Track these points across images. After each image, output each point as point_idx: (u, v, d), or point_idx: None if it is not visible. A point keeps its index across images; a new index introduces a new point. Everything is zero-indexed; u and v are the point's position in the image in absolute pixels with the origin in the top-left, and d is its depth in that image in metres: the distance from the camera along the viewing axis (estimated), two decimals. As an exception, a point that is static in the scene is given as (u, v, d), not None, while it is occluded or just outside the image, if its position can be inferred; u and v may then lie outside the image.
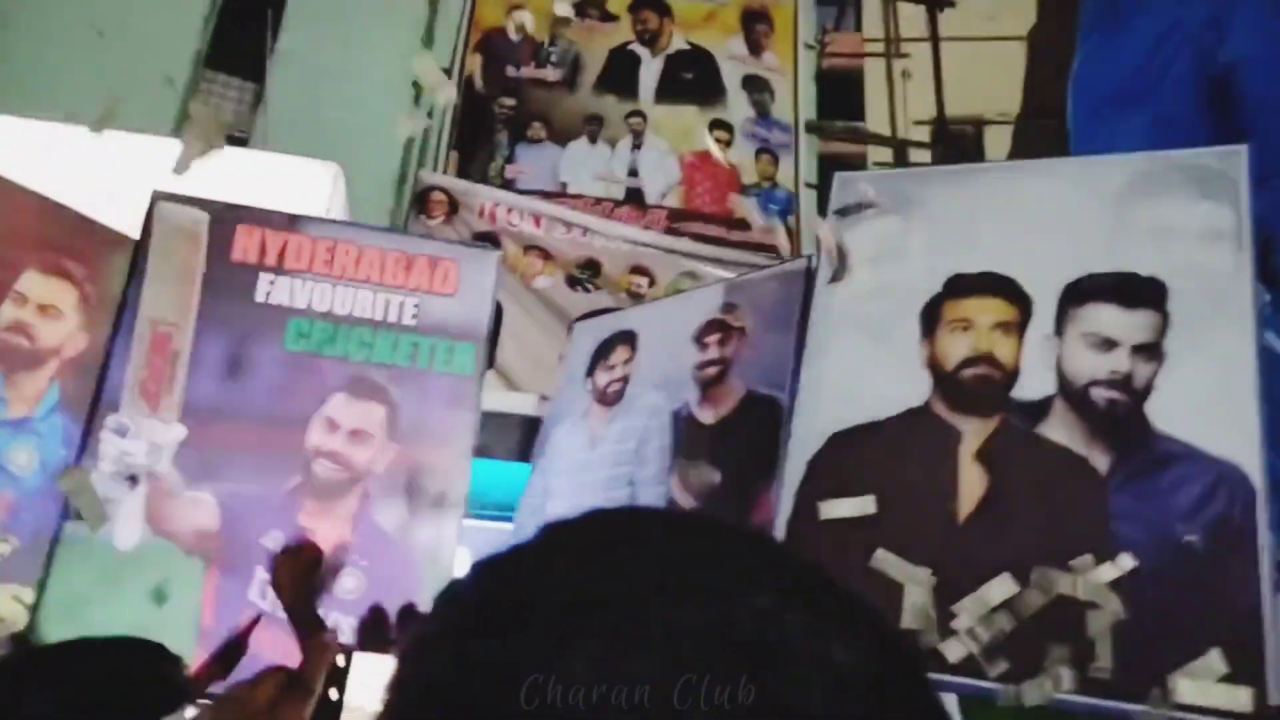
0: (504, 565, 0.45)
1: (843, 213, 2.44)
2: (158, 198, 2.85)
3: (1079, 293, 2.13)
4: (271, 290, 2.80)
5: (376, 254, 2.93)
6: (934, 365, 2.24)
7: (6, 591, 2.45)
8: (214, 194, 4.43)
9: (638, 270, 6.34)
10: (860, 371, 2.31)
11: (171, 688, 1.12)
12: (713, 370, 2.84)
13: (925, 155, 7.00)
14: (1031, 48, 6.74)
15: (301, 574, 1.14)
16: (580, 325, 3.79)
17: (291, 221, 2.96)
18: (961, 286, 2.25)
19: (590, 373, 3.28)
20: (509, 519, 3.31)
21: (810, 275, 2.57)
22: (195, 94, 6.10)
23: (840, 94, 7.24)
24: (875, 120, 7.17)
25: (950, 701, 2.04)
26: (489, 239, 6.06)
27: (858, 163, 7.03)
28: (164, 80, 5.99)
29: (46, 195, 2.91)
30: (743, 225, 6.84)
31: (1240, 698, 1.67)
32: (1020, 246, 2.22)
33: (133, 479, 2.54)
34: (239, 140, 5.93)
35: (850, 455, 2.25)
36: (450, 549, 2.71)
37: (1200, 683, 1.71)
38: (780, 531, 2.25)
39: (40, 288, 2.76)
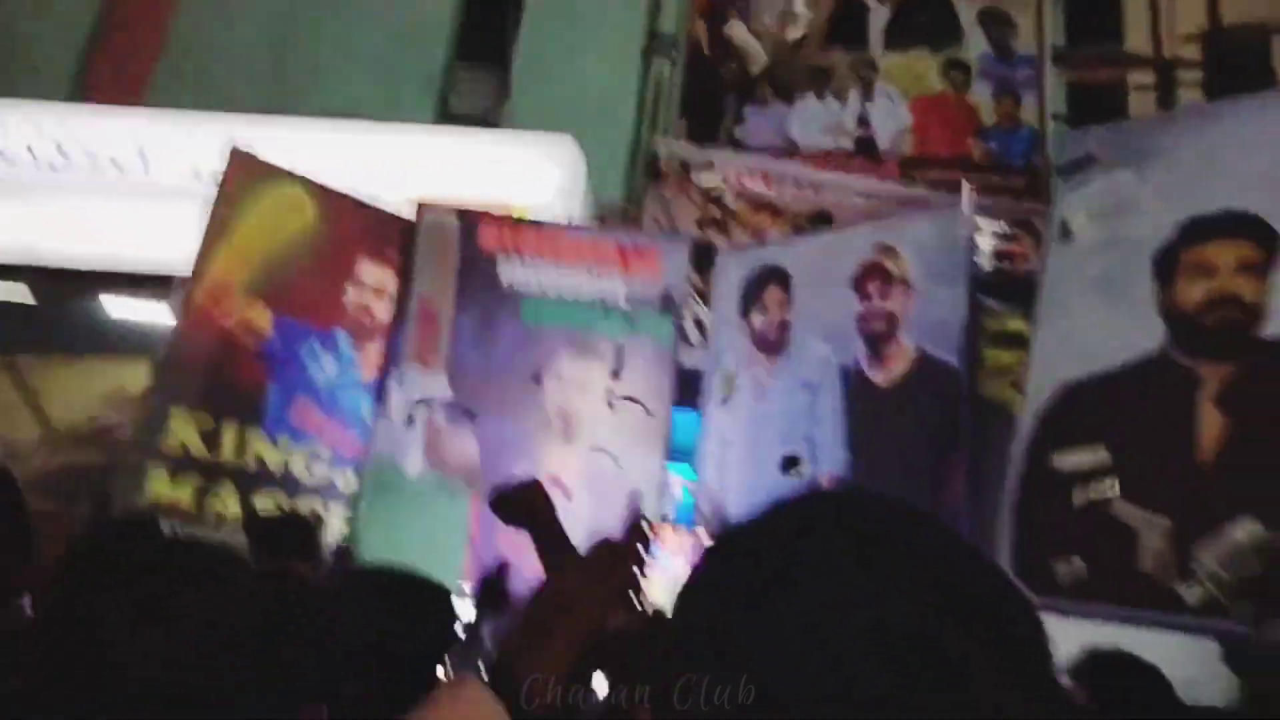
0: (738, 534, 0.62)
1: (1067, 171, 2.43)
2: (423, 208, 3.53)
3: None
4: (511, 275, 3.44)
5: (590, 244, 3.54)
6: (1170, 312, 2.21)
7: None
8: (474, 175, 5.17)
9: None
10: (1092, 326, 2.32)
11: (448, 624, 1.36)
12: (879, 325, 2.84)
13: (1196, 75, 6.26)
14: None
15: (535, 508, 1.36)
16: (724, 258, 3.80)
17: (523, 220, 3.64)
18: (1199, 230, 2.18)
19: (745, 314, 3.33)
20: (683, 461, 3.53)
21: (969, 214, 2.58)
22: (451, 85, 6.84)
23: (1093, 14, 6.65)
24: (1136, 39, 6.51)
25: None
26: (719, 200, 6.33)
27: (1116, 90, 6.45)
28: (425, 78, 6.82)
29: (365, 198, 3.70)
30: (981, 168, 6.58)
31: None
32: (1263, 182, 2.11)
33: (410, 420, 3.22)
34: (489, 123, 6.60)
35: (1082, 407, 2.29)
36: (658, 477, 3.24)
37: None
38: (1013, 487, 2.34)
39: (373, 274, 3.56)
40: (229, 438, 3.17)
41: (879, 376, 2.83)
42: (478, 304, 3.36)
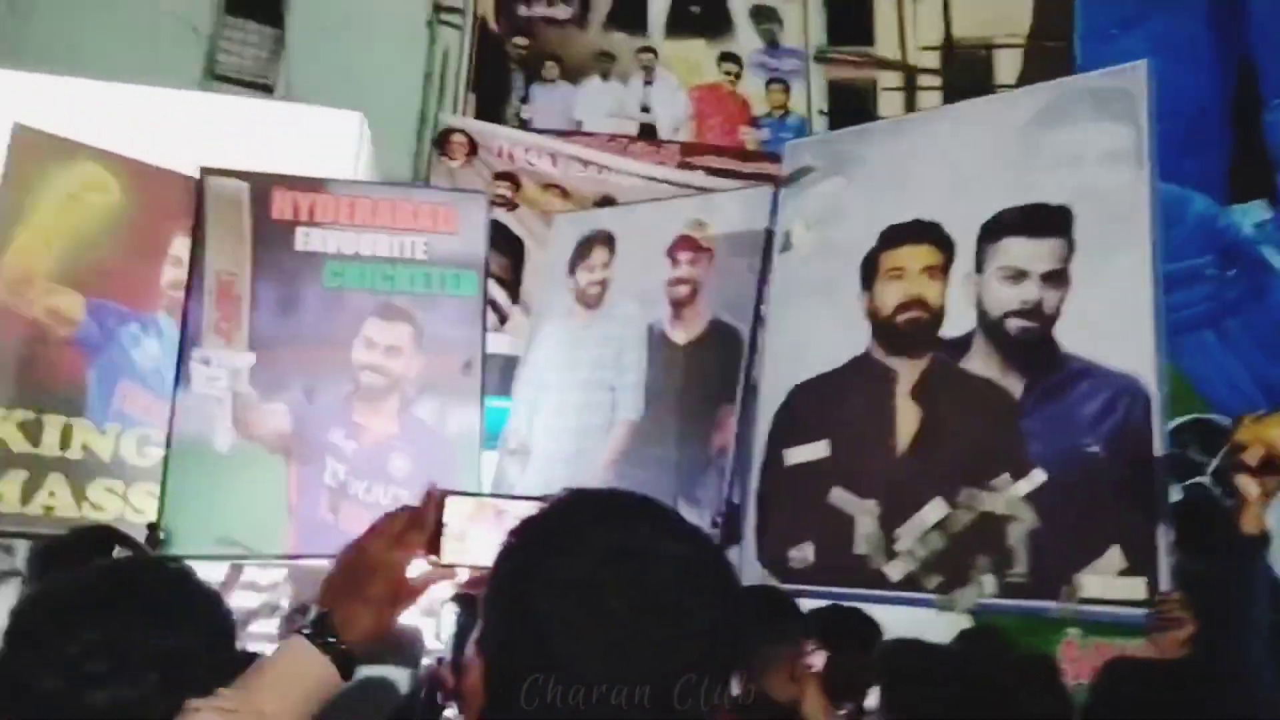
0: (537, 526, 0.77)
1: (789, 181, 2.56)
2: (205, 173, 3.31)
3: (994, 229, 2.23)
4: (308, 240, 3.34)
5: (388, 205, 3.50)
6: (873, 314, 2.39)
7: None
8: (249, 146, 4.75)
9: (652, 206, 6.44)
10: (813, 328, 2.48)
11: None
12: (684, 290, 3.09)
13: (934, 80, 6.89)
14: (1042, -33, 6.53)
15: None
16: (561, 218, 4.05)
17: (317, 183, 3.51)
18: (894, 237, 2.37)
19: (572, 270, 3.54)
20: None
21: (776, 199, 2.72)
22: (219, 41, 6.25)
23: (850, 19, 7.14)
24: (885, 44, 7.06)
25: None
26: (508, 178, 6.24)
27: (867, 89, 6.97)
28: (189, 29, 6.18)
29: (178, 171, 3.47)
30: (755, 157, 6.91)
31: (1136, 588, 1.86)
32: (944, 191, 2.32)
33: (216, 396, 3.10)
34: (264, 88, 6.10)
35: (807, 406, 2.45)
36: (476, 432, 3.30)
37: (1102, 577, 1.90)
38: (755, 482, 2.50)
39: (185, 250, 3.33)
40: (52, 429, 3.05)
41: (678, 336, 3.06)
42: (276, 270, 3.26)
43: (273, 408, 3.14)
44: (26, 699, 1.00)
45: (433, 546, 0.99)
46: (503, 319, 5.82)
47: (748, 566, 2.42)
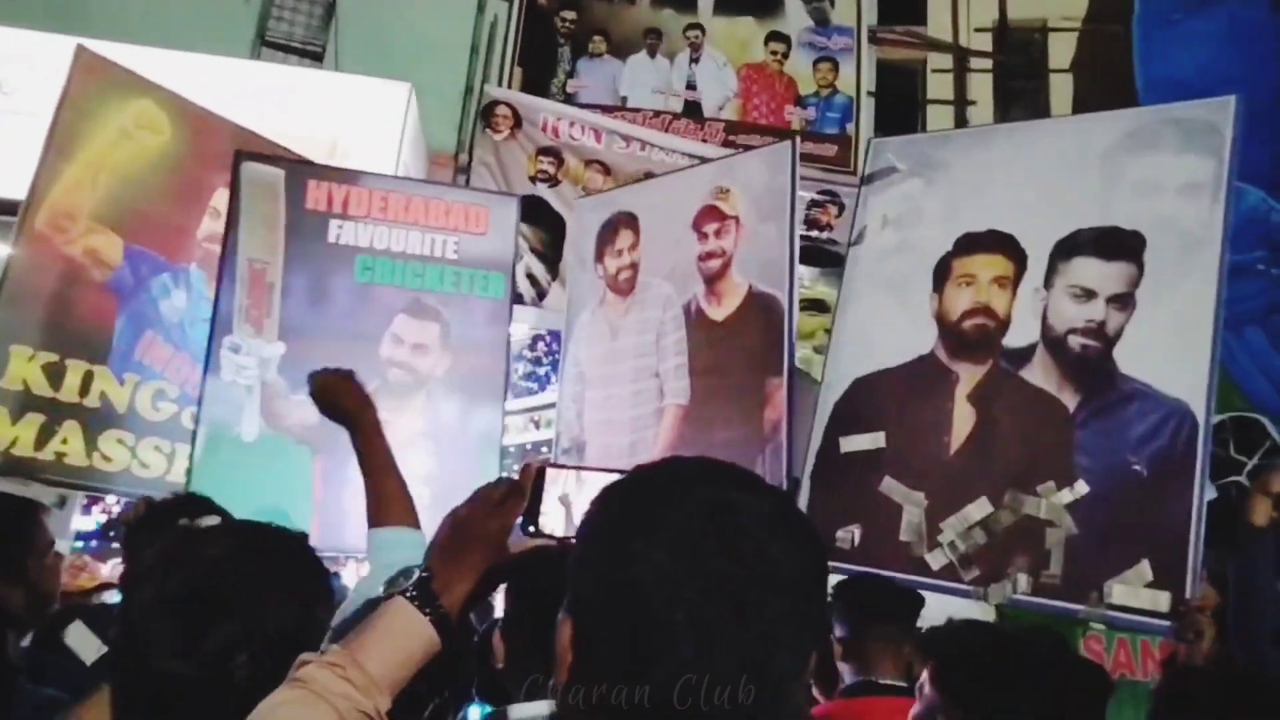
0: (629, 484, 0.78)
1: (872, 178, 2.65)
2: (241, 158, 3.24)
3: (1067, 247, 2.33)
4: (340, 233, 3.34)
5: (421, 202, 3.50)
6: (940, 317, 2.50)
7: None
8: (298, 114, 4.82)
9: (696, 183, 6.48)
10: (879, 324, 2.59)
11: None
12: (715, 264, 3.04)
13: (986, 63, 6.84)
14: (1099, -52, 6.42)
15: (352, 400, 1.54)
16: (581, 204, 3.97)
17: (351, 176, 3.50)
18: (968, 244, 2.47)
19: (599, 258, 3.49)
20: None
21: (795, 156, 2.75)
22: (270, 8, 6.35)
23: (902, -2, 7.08)
24: (937, 26, 7.00)
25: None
26: (551, 152, 6.31)
27: (916, 69, 6.93)
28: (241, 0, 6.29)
29: (229, 118, 3.41)
30: (799, 136, 6.92)
31: (1161, 601, 2.00)
32: (1022, 205, 2.41)
33: (245, 385, 3.09)
34: (313, 55, 6.20)
35: (867, 398, 2.57)
36: (497, 431, 3.33)
37: (1130, 587, 2.04)
38: (810, 464, 2.62)
39: (224, 203, 3.24)
40: (74, 375, 2.98)
41: (715, 312, 3.02)
42: (308, 261, 3.26)
43: (300, 399, 3.06)
44: (164, 683, 1.02)
45: (531, 516, 1.03)
46: (541, 294, 5.91)
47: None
